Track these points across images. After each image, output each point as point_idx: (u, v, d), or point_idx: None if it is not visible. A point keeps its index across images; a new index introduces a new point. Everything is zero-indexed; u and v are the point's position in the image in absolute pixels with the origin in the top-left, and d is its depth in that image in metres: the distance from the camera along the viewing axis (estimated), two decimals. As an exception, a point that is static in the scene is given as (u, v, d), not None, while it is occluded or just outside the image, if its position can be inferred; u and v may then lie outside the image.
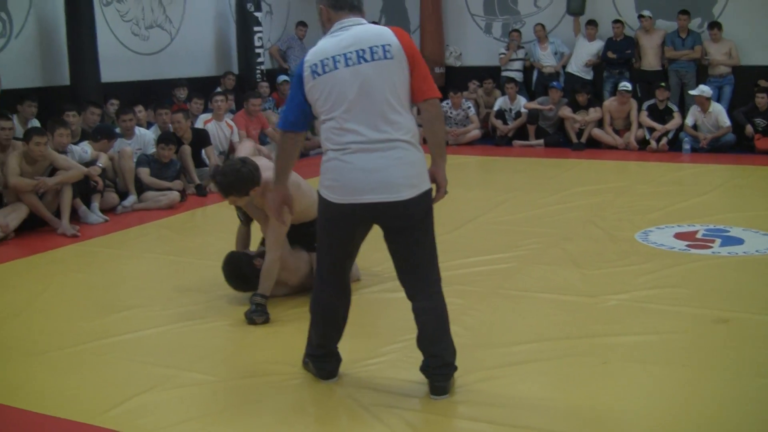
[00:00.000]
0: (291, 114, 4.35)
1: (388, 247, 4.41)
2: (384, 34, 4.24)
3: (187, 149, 10.94)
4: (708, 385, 4.60)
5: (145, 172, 10.16)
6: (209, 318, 5.91)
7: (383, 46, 4.19)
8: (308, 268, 6.25)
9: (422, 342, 4.48)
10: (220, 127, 12.06)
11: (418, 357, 4.54)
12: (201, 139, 11.27)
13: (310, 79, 4.23)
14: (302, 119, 4.35)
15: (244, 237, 6.68)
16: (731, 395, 4.48)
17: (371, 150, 4.17)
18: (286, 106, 4.40)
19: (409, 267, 4.39)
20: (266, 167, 5.97)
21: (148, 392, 4.66)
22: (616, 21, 14.91)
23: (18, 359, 5.24)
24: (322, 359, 4.69)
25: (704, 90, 13.37)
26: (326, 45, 4.26)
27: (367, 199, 4.19)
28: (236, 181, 5.74)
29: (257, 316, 5.75)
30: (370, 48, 4.19)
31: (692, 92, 13.50)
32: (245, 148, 10.70)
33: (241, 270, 6.15)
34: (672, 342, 5.23)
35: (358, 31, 4.27)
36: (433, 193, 4.38)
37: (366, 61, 4.18)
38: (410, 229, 4.29)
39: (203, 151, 11.29)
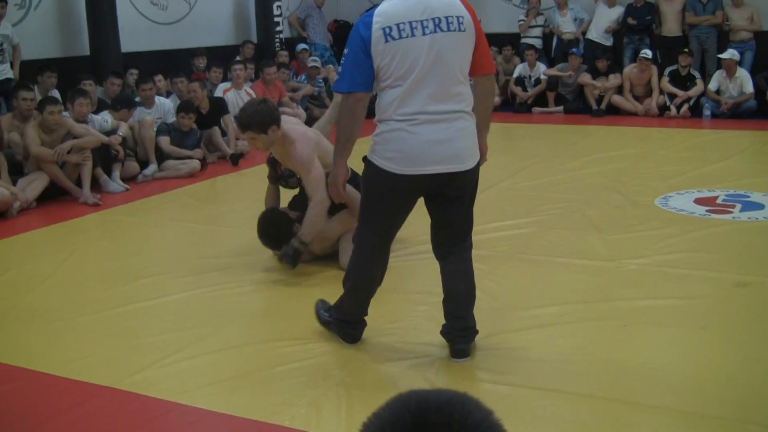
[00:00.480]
0: (357, 74, 4.15)
1: (433, 215, 4.45)
2: (456, 4, 4.18)
3: (228, 118, 11.03)
4: (729, 348, 4.62)
5: (165, 141, 10.19)
6: (233, 284, 5.95)
7: (458, 17, 4.14)
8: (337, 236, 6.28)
9: (450, 304, 4.52)
10: (240, 96, 12.07)
11: (439, 322, 4.57)
12: (219, 107, 11.25)
13: (380, 42, 4.07)
14: (369, 79, 4.17)
15: (273, 196, 6.70)
16: (752, 358, 4.50)
17: (437, 121, 4.15)
18: (348, 66, 4.17)
19: (453, 231, 4.45)
20: (289, 121, 6.11)
21: (172, 356, 4.71)
22: (637, -14, 14.79)
23: (43, 326, 5.30)
24: (352, 325, 4.71)
25: (734, 54, 13.29)
26: (397, 8, 4.11)
27: (434, 170, 4.17)
28: (255, 114, 5.79)
29: (288, 260, 5.84)
30: (446, 17, 4.11)
31: (722, 55, 13.36)
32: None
33: (276, 231, 6.19)
34: (692, 306, 5.24)
35: None
36: None
37: (442, 30, 4.10)
38: (463, 197, 4.36)
39: (222, 119, 11.29)
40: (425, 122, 4.13)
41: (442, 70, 4.12)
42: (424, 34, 4.09)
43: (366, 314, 4.71)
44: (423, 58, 4.08)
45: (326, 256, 6.30)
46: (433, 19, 4.10)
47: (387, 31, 4.08)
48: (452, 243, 4.46)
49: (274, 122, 5.84)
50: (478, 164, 4.35)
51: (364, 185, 4.42)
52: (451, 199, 4.33)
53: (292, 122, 6.27)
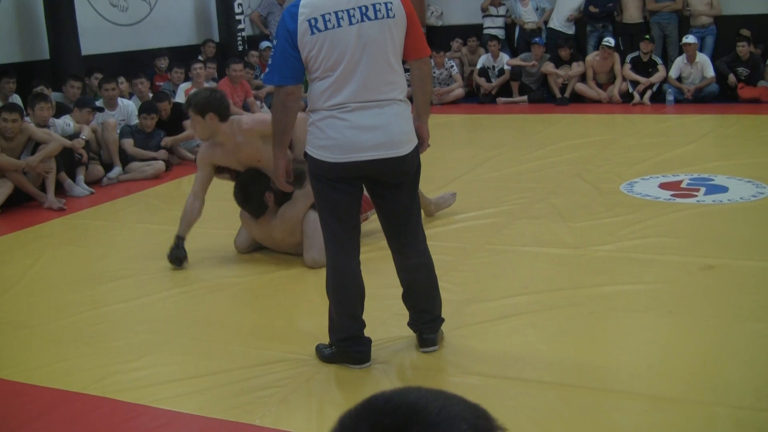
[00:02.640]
0: (285, 67, 4.11)
1: (377, 204, 4.40)
2: None
3: (188, 123, 10.95)
4: (696, 331, 4.64)
5: (129, 143, 10.12)
6: (200, 284, 5.94)
7: (386, 3, 4.06)
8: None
9: (413, 298, 4.50)
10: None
11: (405, 313, 4.57)
12: (179, 113, 11.20)
13: (306, 34, 4.02)
14: (299, 72, 4.13)
15: None
16: (719, 340, 4.54)
17: (369, 107, 4.10)
18: (277, 60, 4.13)
19: (401, 223, 4.37)
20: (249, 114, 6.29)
21: (140, 359, 4.69)
22: (597, -26, 14.84)
23: (11, 332, 5.27)
24: (354, 341, 4.40)
25: (694, 39, 13.39)
26: None
27: (369, 156, 4.11)
28: (198, 95, 6.09)
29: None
30: (373, 5, 4.04)
31: (686, 40, 13.43)
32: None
33: (249, 187, 6.22)
34: (659, 290, 5.28)
35: None
36: None
37: (369, 19, 4.04)
38: (404, 184, 4.29)
39: (183, 124, 11.22)
40: (356, 109, 4.08)
41: (371, 59, 4.06)
42: (350, 23, 4.03)
43: (364, 326, 4.42)
44: (351, 48, 4.03)
45: (294, 254, 6.30)
46: (360, 8, 4.03)
47: (313, 22, 4.02)
48: (403, 234, 4.39)
49: (213, 110, 5.98)
50: (417, 150, 4.30)
51: (309, 178, 4.39)
52: (392, 186, 4.27)
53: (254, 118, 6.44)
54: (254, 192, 6.17)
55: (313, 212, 6.05)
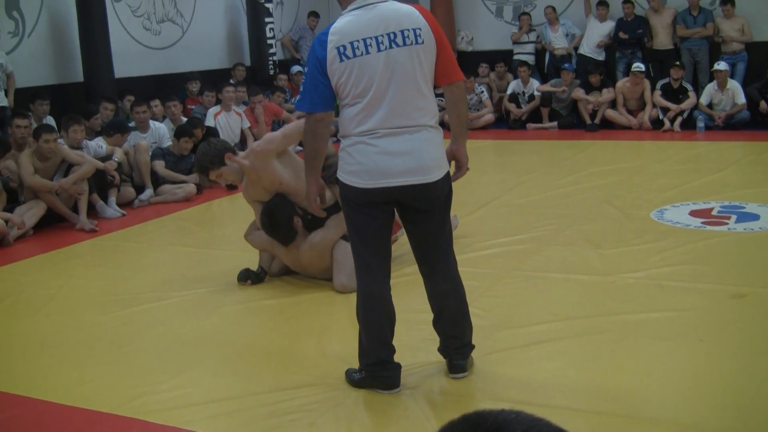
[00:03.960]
0: (315, 94, 4.13)
1: (408, 230, 4.40)
2: (413, 15, 4.13)
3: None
4: (726, 360, 4.61)
5: (160, 165, 10.21)
6: (230, 306, 5.96)
7: (414, 30, 4.08)
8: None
9: (443, 324, 4.50)
10: (230, 118, 12.15)
11: (437, 341, 4.57)
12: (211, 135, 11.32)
13: (335, 61, 4.05)
14: (329, 99, 4.15)
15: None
16: (749, 369, 4.50)
17: (398, 133, 4.11)
18: (307, 87, 4.16)
19: (432, 249, 4.37)
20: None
21: (171, 381, 4.71)
22: (626, 1, 14.82)
23: (42, 352, 5.30)
24: (383, 366, 4.38)
25: (726, 65, 13.37)
26: (352, 25, 4.08)
27: (398, 182, 4.12)
28: (204, 155, 6.15)
29: (243, 277, 6.31)
30: (402, 31, 4.07)
31: (717, 66, 13.40)
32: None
33: (276, 215, 6.19)
34: (689, 318, 5.24)
35: (385, 11, 4.11)
36: (451, 171, 4.38)
37: (398, 45, 4.06)
38: (435, 210, 4.29)
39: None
40: (386, 135, 4.09)
41: (400, 86, 4.07)
42: (379, 50, 4.05)
43: (394, 352, 4.40)
44: (379, 74, 4.05)
45: (324, 279, 6.31)
46: (389, 35, 4.06)
47: (341, 50, 4.05)
48: (434, 260, 4.38)
49: (225, 151, 6.10)
50: (448, 176, 4.30)
51: (341, 203, 4.40)
52: (422, 212, 4.27)
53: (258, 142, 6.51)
54: (282, 219, 6.16)
55: (343, 241, 6.09)
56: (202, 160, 6.16)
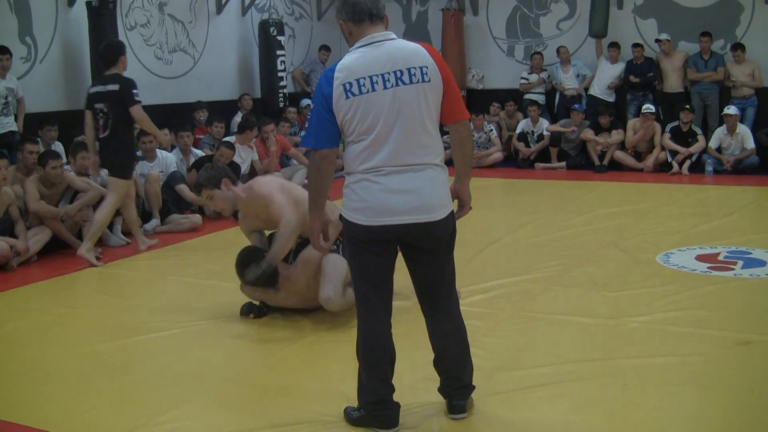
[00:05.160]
0: (321, 131, 4.12)
1: (410, 268, 4.37)
2: (420, 53, 4.13)
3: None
4: (730, 409, 4.57)
5: (185, 189, 10.24)
6: (232, 340, 5.93)
7: (421, 68, 4.08)
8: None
9: (443, 364, 4.46)
10: (242, 150, 12.20)
11: (437, 380, 4.53)
12: (233, 171, 11.38)
13: (342, 98, 4.05)
14: (334, 135, 4.13)
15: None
16: (754, 418, 4.45)
17: (403, 171, 4.09)
18: (313, 123, 4.15)
19: (434, 288, 4.35)
20: (259, 179, 6.51)
21: (169, 413, 4.68)
22: (636, 45, 14.86)
23: (39, 380, 5.27)
24: (383, 405, 4.34)
25: (736, 110, 13.42)
26: (359, 62, 4.08)
27: (402, 220, 4.10)
28: (204, 173, 6.28)
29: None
30: (408, 69, 4.07)
31: (727, 110, 13.40)
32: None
33: (248, 259, 6.17)
34: (693, 364, 5.20)
35: (392, 49, 4.12)
36: (454, 210, 4.36)
37: (404, 83, 4.06)
38: (438, 249, 4.27)
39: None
40: (391, 173, 4.08)
41: (406, 124, 4.06)
42: (385, 87, 4.04)
43: (393, 390, 4.35)
44: (385, 112, 4.04)
45: (316, 310, 6.28)
46: (395, 72, 4.06)
47: (347, 87, 4.04)
48: (437, 299, 4.36)
49: (225, 176, 6.20)
50: (452, 215, 4.28)
51: (344, 240, 4.38)
52: (425, 251, 4.25)
53: (262, 179, 6.58)
54: (252, 263, 6.13)
55: (331, 254, 6.08)
56: (200, 176, 6.28)
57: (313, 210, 4.32)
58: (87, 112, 8.65)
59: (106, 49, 8.77)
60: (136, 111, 8.36)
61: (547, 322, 6.12)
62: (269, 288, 6.23)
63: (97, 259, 8.49)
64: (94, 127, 8.56)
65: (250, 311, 6.36)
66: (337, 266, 6.02)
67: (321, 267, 6.12)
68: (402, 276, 4.45)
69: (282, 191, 6.14)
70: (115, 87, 8.43)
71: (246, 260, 6.17)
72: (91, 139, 8.70)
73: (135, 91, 8.42)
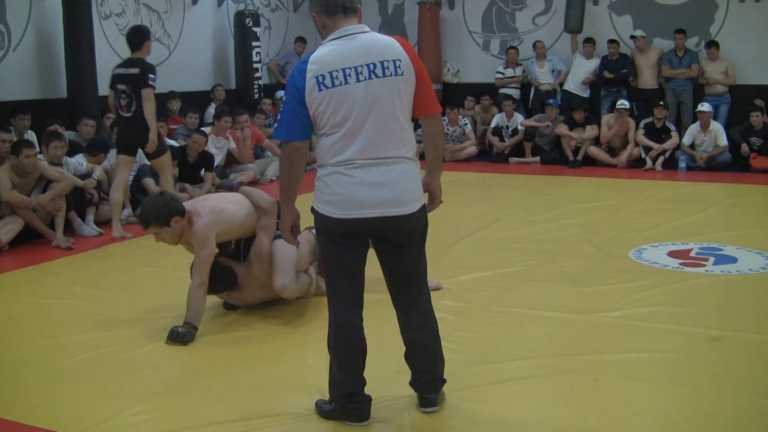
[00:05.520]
0: (293, 123, 4.12)
1: (382, 261, 4.37)
2: (394, 47, 4.13)
3: (209, 175, 11.50)
4: (700, 404, 4.60)
5: (152, 183, 10.17)
6: (204, 335, 5.90)
7: (394, 61, 4.08)
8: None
9: (415, 357, 4.46)
10: (219, 141, 12.20)
11: (407, 371, 4.54)
12: (206, 160, 11.46)
13: (314, 90, 4.03)
14: (307, 128, 4.12)
15: None
16: (723, 413, 4.49)
17: (375, 164, 4.09)
18: (285, 116, 4.14)
19: (406, 282, 4.35)
20: (210, 198, 6.23)
21: (141, 404, 4.67)
22: (612, 41, 14.92)
23: (11, 371, 5.24)
24: (354, 398, 4.35)
25: (709, 107, 13.50)
26: (332, 54, 4.07)
27: (374, 213, 4.10)
28: (152, 209, 5.71)
29: (176, 337, 5.68)
30: (382, 62, 4.06)
31: (701, 107, 13.48)
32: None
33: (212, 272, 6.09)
34: (664, 360, 5.24)
35: (366, 42, 4.11)
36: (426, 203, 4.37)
37: (378, 76, 4.05)
38: (410, 243, 4.27)
39: (203, 171, 11.38)
40: (363, 166, 4.08)
41: (378, 117, 4.06)
42: (358, 80, 4.04)
43: (364, 384, 4.37)
44: (358, 105, 4.04)
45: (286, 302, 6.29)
46: (368, 65, 4.05)
47: (320, 79, 4.03)
48: (409, 293, 4.37)
49: (175, 213, 5.75)
50: (424, 208, 4.29)
51: (315, 232, 4.36)
52: (397, 245, 4.25)
53: (212, 198, 6.24)
54: (213, 270, 6.00)
55: (279, 240, 6.02)
56: (148, 212, 5.75)
57: (285, 202, 4.33)
58: (110, 91, 9.29)
59: (132, 33, 9.33)
60: (147, 92, 8.92)
61: (519, 316, 6.13)
62: (232, 290, 6.21)
63: (69, 249, 8.47)
64: (117, 106, 9.21)
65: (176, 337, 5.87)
66: (286, 253, 5.98)
67: (271, 255, 6.09)
68: (374, 269, 4.45)
69: (218, 224, 5.89)
70: (135, 71, 8.97)
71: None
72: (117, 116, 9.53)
73: (152, 75, 8.98)
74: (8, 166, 8.66)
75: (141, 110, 8.93)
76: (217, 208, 5.96)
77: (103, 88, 11.98)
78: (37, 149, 9.24)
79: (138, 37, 9.18)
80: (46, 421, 4.48)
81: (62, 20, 11.82)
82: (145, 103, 8.91)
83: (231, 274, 6.13)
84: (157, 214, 5.70)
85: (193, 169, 11.13)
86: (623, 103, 14.05)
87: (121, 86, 9.05)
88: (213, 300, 6.39)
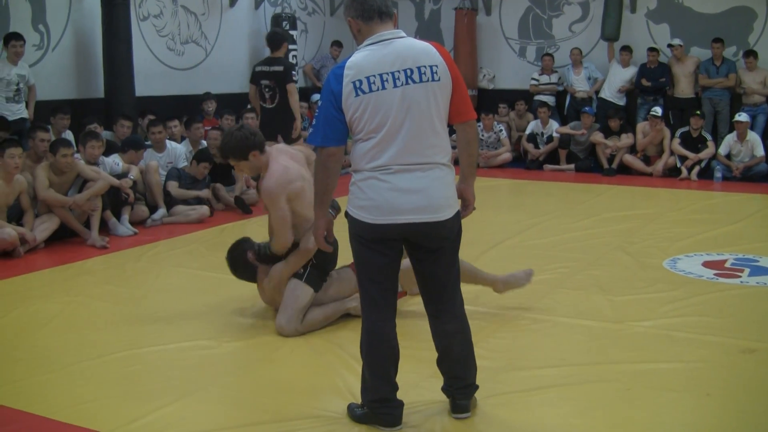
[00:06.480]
0: (329, 128, 4.10)
1: (416, 267, 4.36)
2: (430, 53, 4.12)
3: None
4: (732, 415, 4.56)
5: (174, 186, 10.21)
6: (236, 333, 5.93)
7: (431, 66, 4.07)
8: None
9: (447, 364, 4.46)
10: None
11: (440, 377, 4.53)
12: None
13: (351, 96, 4.03)
14: (342, 133, 4.11)
15: None
16: (757, 427, 4.45)
17: (410, 170, 4.08)
18: (320, 121, 4.11)
19: (439, 287, 4.34)
20: (285, 151, 6.15)
21: (172, 404, 4.69)
22: (651, 49, 14.84)
23: (44, 368, 5.28)
24: (386, 404, 4.34)
25: (747, 117, 13.40)
26: (368, 60, 4.06)
27: (408, 219, 4.09)
28: (231, 140, 5.79)
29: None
30: (419, 68, 4.05)
31: (738, 117, 13.38)
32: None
33: (233, 252, 6.29)
34: (697, 371, 5.19)
35: (402, 47, 4.10)
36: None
37: (414, 82, 4.04)
38: (444, 249, 4.26)
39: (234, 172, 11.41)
40: (398, 171, 4.07)
41: (415, 122, 4.05)
42: (395, 86, 4.03)
43: (397, 389, 4.36)
44: (394, 111, 4.03)
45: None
46: (405, 71, 4.04)
47: (357, 84, 4.02)
48: (442, 300, 4.35)
49: (253, 148, 5.78)
50: (458, 215, 4.27)
51: (349, 238, 4.33)
52: (431, 251, 4.24)
53: (288, 152, 6.19)
54: (238, 257, 6.20)
55: (294, 279, 5.98)
56: (227, 144, 5.84)
57: (319, 207, 4.31)
58: (251, 86, 11.02)
59: (273, 35, 11.17)
60: (291, 87, 10.70)
61: (551, 324, 6.11)
62: (249, 279, 6.36)
63: (104, 248, 8.54)
64: (260, 98, 10.79)
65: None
66: (295, 293, 5.93)
67: (285, 292, 6.05)
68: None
69: (288, 188, 5.85)
70: (279, 68, 10.71)
71: (230, 252, 6.32)
72: (257, 107, 11.08)
73: (294, 72, 10.91)
74: (46, 165, 8.74)
75: (283, 101, 10.59)
76: (284, 173, 5.87)
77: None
78: (74, 149, 9.31)
79: (278, 38, 10.94)
80: (77, 419, 4.51)
81: (101, 21, 11.94)
82: (290, 96, 10.57)
83: (251, 268, 6.23)
84: (234, 147, 5.79)
85: (221, 169, 11.03)
86: (655, 110, 13.97)
87: (264, 81, 10.67)
88: (241, 305, 6.41)
